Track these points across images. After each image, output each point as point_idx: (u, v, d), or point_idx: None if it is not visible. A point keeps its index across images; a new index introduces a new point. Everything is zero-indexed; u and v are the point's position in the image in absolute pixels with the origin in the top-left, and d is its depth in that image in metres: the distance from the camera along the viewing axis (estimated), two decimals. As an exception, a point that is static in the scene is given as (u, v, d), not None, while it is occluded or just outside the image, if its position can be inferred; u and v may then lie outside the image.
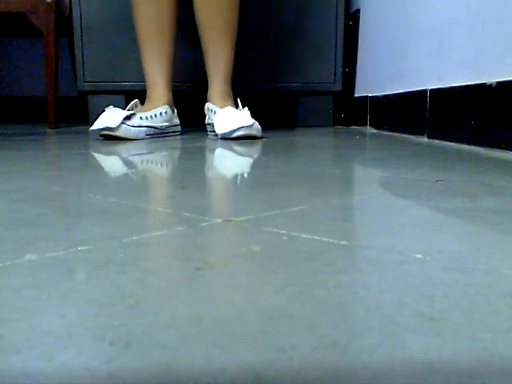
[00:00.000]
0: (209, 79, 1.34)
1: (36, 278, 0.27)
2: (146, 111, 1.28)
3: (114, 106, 1.26)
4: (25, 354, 0.19)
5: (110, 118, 1.19)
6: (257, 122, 1.21)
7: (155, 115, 1.29)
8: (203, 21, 1.30)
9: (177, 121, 1.40)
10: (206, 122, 1.38)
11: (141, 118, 1.25)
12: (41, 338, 0.20)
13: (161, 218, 0.41)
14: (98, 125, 1.19)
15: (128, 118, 1.21)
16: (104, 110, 1.23)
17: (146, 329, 0.21)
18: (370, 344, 0.20)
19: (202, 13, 1.30)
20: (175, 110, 1.39)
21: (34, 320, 0.22)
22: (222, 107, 1.27)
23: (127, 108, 1.27)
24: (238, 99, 1.28)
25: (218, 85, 1.32)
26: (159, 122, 1.30)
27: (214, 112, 1.28)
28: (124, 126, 1.20)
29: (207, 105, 1.33)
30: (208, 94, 1.34)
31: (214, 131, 1.26)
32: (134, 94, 1.54)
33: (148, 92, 1.35)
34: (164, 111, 1.31)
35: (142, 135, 1.25)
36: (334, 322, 0.21)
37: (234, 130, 1.17)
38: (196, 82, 1.67)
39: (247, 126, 1.17)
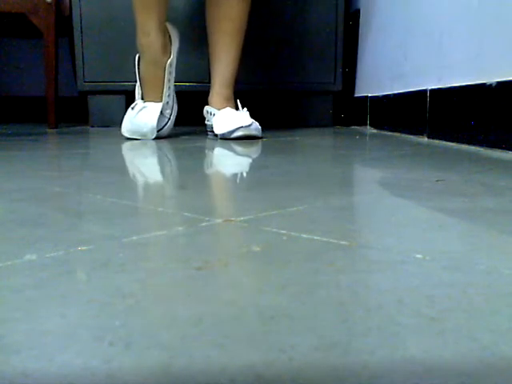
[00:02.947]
0: (211, 82, 1.34)
1: (36, 277, 0.27)
2: (155, 100, 1.26)
3: (128, 105, 1.28)
4: (25, 354, 0.19)
5: (144, 129, 1.22)
6: (256, 122, 1.20)
7: (167, 103, 1.28)
8: (213, 23, 1.29)
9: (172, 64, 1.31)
10: (205, 122, 1.38)
11: (168, 118, 1.27)
12: (41, 338, 0.20)
13: (161, 218, 0.41)
14: (132, 134, 1.23)
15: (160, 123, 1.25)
16: (132, 108, 1.24)
17: (145, 329, 0.21)
18: (370, 344, 0.20)
19: (213, 15, 1.29)
20: (171, 42, 1.30)
21: (33, 320, 0.22)
22: (220, 109, 1.27)
23: (137, 98, 1.27)
24: (238, 101, 1.28)
25: (219, 89, 1.31)
26: (174, 104, 1.31)
27: (213, 114, 1.28)
28: (157, 132, 1.24)
29: (206, 108, 1.33)
30: (209, 97, 1.34)
31: (213, 131, 1.26)
32: (134, 94, 1.54)
33: (141, 49, 1.26)
34: (169, 95, 1.28)
35: (172, 125, 1.30)
36: (334, 321, 0.21)
37: (233, 131, 1.17)
38: (196, 81, 1.67)
39: (246, 126, 1.17)
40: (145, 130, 1.21)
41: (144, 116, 1.21)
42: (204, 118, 1.39)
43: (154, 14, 1.22)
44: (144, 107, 1.23)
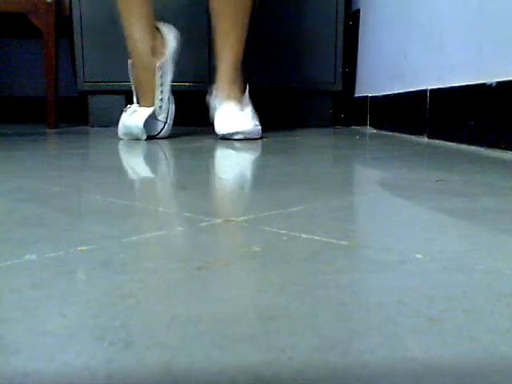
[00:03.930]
0: (217, 61, 1.28)
1: (36, 277, 0.27)
2: (149, 105, 1.24)
3: (127, 105, 1.26)
4: (25, 354, 0.19)
5: (135, 131, 1.20)
6: (258, 125, 1.19)
7: (160, 107, 1.25)
8: (216, 6, 1.24)
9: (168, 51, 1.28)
10: (208, 100, 1.33)
11: (165, 121, 1.26)
12: (41, 338, 0.20)
13: (161, 218, 0.41)
14: (125, 136, 1.22)
15: (154, 125, 1.23)
16: (125, 111, 1.23)
17: (145, 329, 0.21)
18: (370, 344, 0.20)
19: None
20: (165, 43, 1.27)
21: (34, 320, 0.22)
22: (225, 99, 1.24)
23: (135, 102, 1.25)
24: (247, 86, 1.25)
25: (222, 72, 1.26)
26: (170, 106, 1.28)
27: (217, 105, 1.26)
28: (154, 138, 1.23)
29: (213, 88, 1.29)
30: (216, 76, 1.28)
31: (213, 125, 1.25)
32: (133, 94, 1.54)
33: (130, 54, 1.25)
34: (162, 98, 1.26)
35: (170, 128, 1.27)
36: (334, 321, 0.21)
37: (233, 134, 1.17)
38: (196, 81, 1.67)
39: (246, 131, 1.16)
40: (135, 131, 1.20)
41: (134, 118, 1.21)
42: (204, 118, 1.38)
43: (137, 18, 1.21)
44: (135, 111, 1.22)
